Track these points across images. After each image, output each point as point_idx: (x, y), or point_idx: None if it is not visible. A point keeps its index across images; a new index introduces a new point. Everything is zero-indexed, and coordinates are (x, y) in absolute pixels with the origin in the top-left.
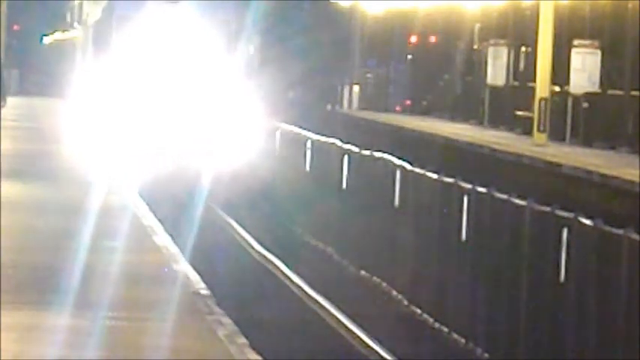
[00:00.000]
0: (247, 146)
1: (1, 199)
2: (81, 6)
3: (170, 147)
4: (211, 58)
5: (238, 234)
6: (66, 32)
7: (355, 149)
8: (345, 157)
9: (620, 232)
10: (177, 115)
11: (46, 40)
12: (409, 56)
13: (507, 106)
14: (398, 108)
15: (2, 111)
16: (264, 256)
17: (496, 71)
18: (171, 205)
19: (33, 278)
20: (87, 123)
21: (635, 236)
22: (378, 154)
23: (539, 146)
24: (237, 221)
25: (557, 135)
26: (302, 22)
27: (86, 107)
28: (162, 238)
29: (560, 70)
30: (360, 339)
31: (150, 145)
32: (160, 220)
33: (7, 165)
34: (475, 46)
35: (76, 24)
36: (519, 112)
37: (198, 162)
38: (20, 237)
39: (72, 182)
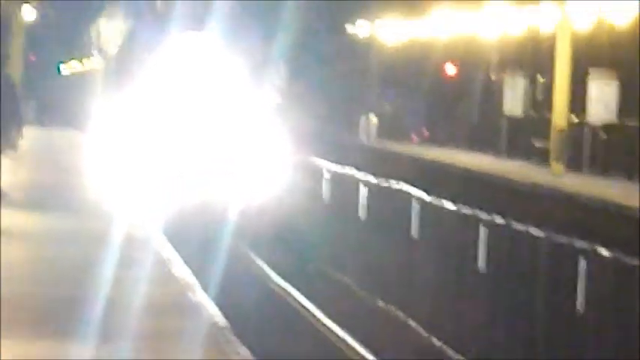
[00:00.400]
0: (269, 178)
1: (18, 231)
2: (99, 35)
3: (193, 179)
4: (236, 89)
5: (256, 264)
6: (84, 62)
7: (373, 180)
8: (363, 188)
9: (638, 262)
10: (201, 146)
11: (64, 69)
12: (426, 86)
13: (525, 136)
14: (415, 138)
15: (19, 142)
16: (282, 287)
17: (513, 101)
18: (192, 237)
19: (53, 309)
20: (107, 154)
21: None
22: (395, 185)
23: (556, 176)
24: (255, 251)
25: (574, 165)
26: (323, 53)
27: (106, 138)
28: (180, 270)
29: (578, 101)
30: None
31: (173, 177)
32: (178, 251)
33: (25, 196)
34: (492, 76)
35: (95, 53)
36: (536, 143)
37: (221, 194)
38: (37, 268)
39: (91, 214)
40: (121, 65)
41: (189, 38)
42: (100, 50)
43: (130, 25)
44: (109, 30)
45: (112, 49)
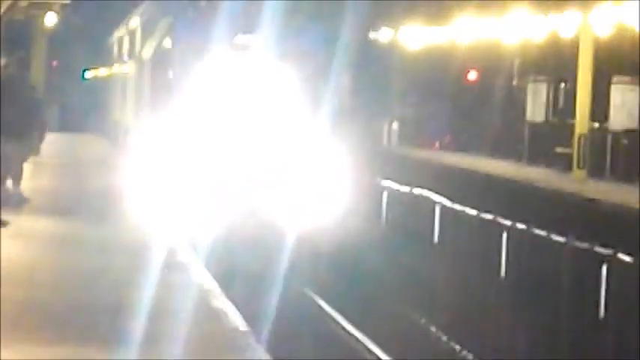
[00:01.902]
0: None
1: (40, 236)
2: (133, 39)
3: (236, 192)
4: (291, 96)
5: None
6: (114, 67)
7: (394, 186)
8: (385, 194)
9: None
10: (245, 158)
11: (88, 75)
12: (449, 92)
13: (547, 143)
14: (437, 144)
15: (41, 147)
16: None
17: (535, 107)
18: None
19: (69, 313)
20: (137, 162)
21: None
22: (417, 191)
23: (578, 183)
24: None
25: (596, 171)
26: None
27: (139, 146)
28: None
29: (600, 107)
30: None
31: (213, 190)
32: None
33: (46, 201)
34: (514, 82)
35: (124, 56)
36: (559, 149)
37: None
38: (56, 274)
39: (112, 220)
40: (156, 70)
41: (239, 42)
42: (131, 53)
43: (169, 25)
44: (142, 30)
45: (148, 51)
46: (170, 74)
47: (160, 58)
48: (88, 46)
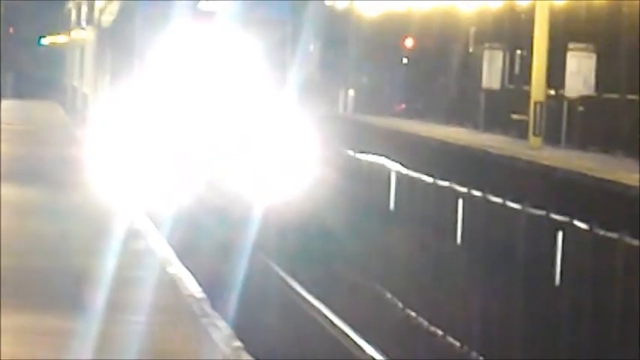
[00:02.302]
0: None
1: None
2: (92, 5)
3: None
4: (259, 68)
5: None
6: (72, 33)
7: (349, 153)
8: (342, 161)
9: (615, 235)
10: (211, 129)
11: (45, 42)
12: (404, 59)
13: (503, 110)
14: (393, 111)
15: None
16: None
17: (491, 74)
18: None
19: (30, 280)
20: (96, 130)
21: (629, 240)
22: (372, 158)
23: (534, 150)
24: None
25: (552, 138)
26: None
27: (96, 114)
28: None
29: (556, 74)
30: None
31: (176, 165)
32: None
33: (3, 169)
34: (470, 49)
35: (84, 24)
36: (515, 116)
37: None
38: (9, 239)
39: (71, 190)
40: (117, 38)
41: (202, 9)
42: (90, 20)
43: None
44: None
45: (107, 18)
46: (131, 42)
47: (121, 25)
48: (44, 12)
